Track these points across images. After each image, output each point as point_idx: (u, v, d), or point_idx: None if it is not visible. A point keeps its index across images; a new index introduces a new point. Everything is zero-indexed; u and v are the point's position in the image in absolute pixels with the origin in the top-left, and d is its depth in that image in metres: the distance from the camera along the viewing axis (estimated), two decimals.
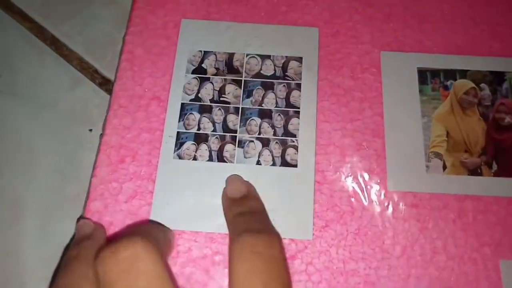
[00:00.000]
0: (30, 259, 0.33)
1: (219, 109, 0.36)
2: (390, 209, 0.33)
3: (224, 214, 0.30)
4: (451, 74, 0.37)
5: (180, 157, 0.34)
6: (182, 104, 0.36)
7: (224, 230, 0.31)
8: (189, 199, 0.33)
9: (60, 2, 0.42)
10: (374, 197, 0.33)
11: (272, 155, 0.34)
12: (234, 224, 0.27)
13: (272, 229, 0.28)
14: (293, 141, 0.35)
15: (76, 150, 0.36)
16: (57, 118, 0.37)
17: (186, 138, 0.35)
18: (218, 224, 0.32)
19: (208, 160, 0.34)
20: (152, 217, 0.32)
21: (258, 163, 0.34)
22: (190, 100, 0.36)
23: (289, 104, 0.36)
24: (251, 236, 0.24)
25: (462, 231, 0.32)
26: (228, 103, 0.36)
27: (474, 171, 0.34)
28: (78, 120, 0.37)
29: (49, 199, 0.35)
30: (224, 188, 0.31)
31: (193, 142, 0.35)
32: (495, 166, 0.34)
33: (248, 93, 0.36)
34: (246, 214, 0.28)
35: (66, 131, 0.37)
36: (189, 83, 0.36)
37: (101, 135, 0.35)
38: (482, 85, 0.37)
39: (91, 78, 0.39)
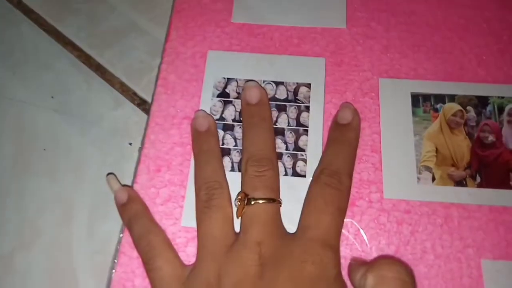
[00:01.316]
0: (80, 254, 0.40)
1: (240, 127, 0.42)
2: (386, 214, 0.39)
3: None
4: (441, 98, 0.43)
5: None
6: None
7: None
8: None
9: (103, 33, 0.50)
10: (372, 204, 0.39)
11: (285, 167, 0.41)
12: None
13: None
14: (303, 155, 0.41)
15: (119, 161, 0.43)
16: (102, 133, 0.44)
17: None
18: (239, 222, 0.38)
19: (230, 171, 0.40)
20: (183, 217, 0.38)
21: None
22: (216, 120, 0.42)
23: (299, 124, 0.42)
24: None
25: (448, 234, 0.38)
26: None
27: (460, 183, 0.40)
28: (120, 136, 0.44)
29: (96, 202, 0.41)
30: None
31: None
32: (478, 179, 0.40)
33: None
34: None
35: (110, 145, 0.44)
36: (214, 105, 0.43)
37: (140, 148, 0.41)
38: (468, 107, 0.42)
39: (131, 99, 0.46)
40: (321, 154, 0.41)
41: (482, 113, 0.42)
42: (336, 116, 0.40)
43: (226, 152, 0.41)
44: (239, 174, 0.40)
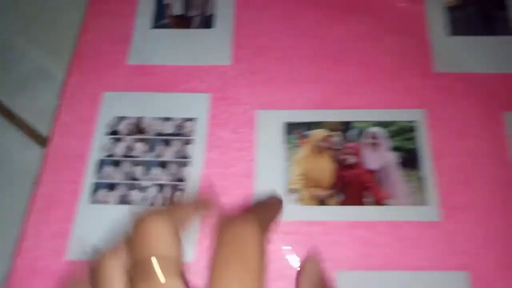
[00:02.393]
0: None
1: (128, 162, 0.47)
2: None
3: None
4: (311, 126, 0.48)
5: (95, 202, 0.45)
6: (100, 159, 0.47)
7: None
8: (101, 235, 0.44)
9: (12, 79, 0.54)
10: None
11: (164, 197, 0.45)
12: None
13: None
14: (183, 186, 0.46)
15: (14, 198, 0.47)
16: (5, 173, 0.49)
17: (101, 186, 0.46)
18: None
19: (117, 204, 0.45)
20: (69, 248, 0.42)
21: (152, 204, 0.45)
22: (107, 156, 0.47)
23: (183, 156, 0.47)
24: None
25: (310, 250, 0.42)
26: (136, 157, 0.47)
27: (323, 202, 0.44)
28: (22, 175, 0.49)
29: None
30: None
31: (107, 190, 0.46)
32: (341, 197, 0.44)
33: (152, 149, 0.47)
34: None
35: (12, 184, 0.48)
36: (105, 143, 0.48)
37: (34, 187, 0.46)
38: (334, 133, 0.47)
39: (36, 141, 0.51)
40: (199, 184, 0.45)
41: (346, 137, 0.47)
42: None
43: (114, 187, 0.46)
44: (125, 206, 0.45)
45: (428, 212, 0.43)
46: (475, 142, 0.46)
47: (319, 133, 0.48)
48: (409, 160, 0.46)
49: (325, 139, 0.47)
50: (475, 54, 0.51)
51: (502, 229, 0.42)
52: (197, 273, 0.42)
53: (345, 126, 0.48)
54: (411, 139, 0.47)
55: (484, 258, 0.41)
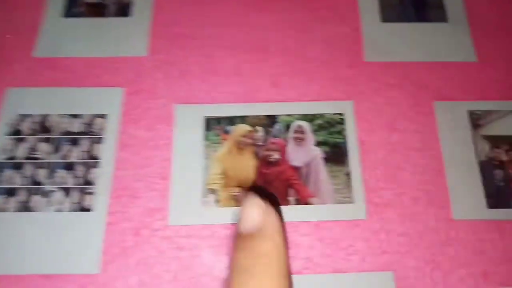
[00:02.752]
0: None
1: (31, 165, 0.42)
2: (169, 241, 0.40)
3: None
4: (233, 120, 0.44)
5: None
6: None
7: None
8: None
9: None
10: (156, 232, 0.40)
11: (72, 202, 0.41)
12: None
13: None
14: (91, 188, 0.42)
15: None
16: None
17: None
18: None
19: (17, 211, 0.41)
20: None
21: (59, 210, 0.41)
22: (7, 159, 0.43)
23: (91, 156, 0.43)
24: None
25: (224, 256, 0.39)
26: (40, 159, 0.43)
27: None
28: None
29: None
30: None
31: (5, 196, 0.41)
32: None
33: (57, 149, 0.43)
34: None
35: None
36: (5, 145, 0.43)
37: None
38: (258, 127, 0.44)
39: None
40: (110, 186, 0.42)
41: (270, 132, 0.44)
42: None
43: (13, 192, 0.41)
44: (26, 214, 0.40)
45: (354, 210, 0.41)
46: (404, 135, 0.44)
47: (241, 128, 0.44)
48: (335, 155, 0.43)
49: (247, 134, 0.44)
50: (406, 41, 0.49)
51: (426, 226, 0.40)
52: (103, 283, 0.38)
53: (269, 121, 0.45)
54: (337, 132, 0.44)
55: (408, 257, 0.39)
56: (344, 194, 0.41)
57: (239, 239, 0.20)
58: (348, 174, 0.42)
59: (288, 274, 0.20)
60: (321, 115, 0.45)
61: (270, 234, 0.20)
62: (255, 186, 0.41)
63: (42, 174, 0.42)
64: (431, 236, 0.40)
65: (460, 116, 0.45)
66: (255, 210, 0.21)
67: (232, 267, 0.20)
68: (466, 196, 0.41)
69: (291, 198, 0.41)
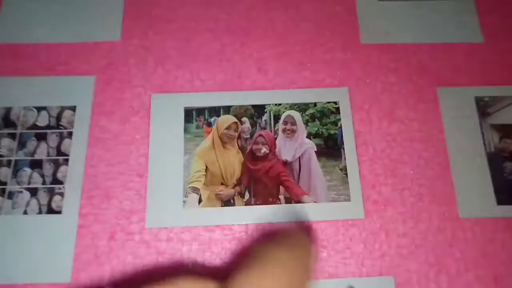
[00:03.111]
0: None
1: None
2: (147, 245, 0.36)
3: None
4: (216, 111, 0.40)
5: None
6: None
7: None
8: None
9: None
10: (133, 236, 0.36)
11: (39, 204, 0.37)
12: None
13: None
14: (60, 188, 0.38)
15: None
16: None
17: None
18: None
19: None
20: None
21: (25, 213, 0.37)
22: None
23: (60, 153, 0.39)
24: None
25: (210, 261, 0.36)
26: (2, 156, 0.39)
27: (228, 202, 0.37)
28: None
29: None
30: None
31: None
32: (247, 196, 0.38)
33: (22, 145, 0.39)
34: None
35: None
36: None
37: None
38: (244, 119, 0.40)
39: None
40: (81, 186, 0.38)
41: (257, 123, 0.40)
42: None
43: None
44: None
45: (350, 209, 0.37)
46: (405, 125, 0.40)
47: (225, 119, 0.40)
48: (330, 148, 0.39)
49: (232, 126, 0.40)
50: (406, 21, 0.45)
51: (430, 225, 0.37)
52: None
53: (256, 111, 0.41)
54: (332, 123, 0.40)
55: (410, 260, 0.36)
56: (340, 191, 0.38)
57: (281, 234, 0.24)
58: (343, 169, 0.38)
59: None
60: (314, 104, 0.41)
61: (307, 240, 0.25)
62: None
63: (5, 173, 0.38)
64: (436, 237, 0.36)
65: (466, 103, 0.41)
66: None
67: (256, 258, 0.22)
68: (474, 192, 0.37)
69: (281, 197, 0.38)
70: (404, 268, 0.35)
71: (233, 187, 0.38)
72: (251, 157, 0.39)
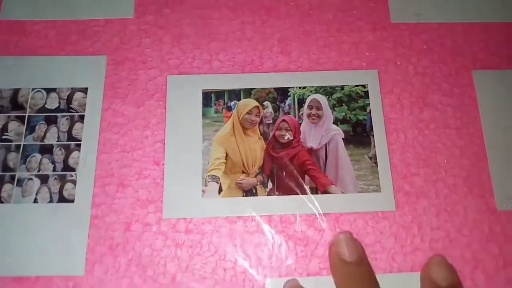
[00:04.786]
0: None
1: (0, 148, 0.37)
2: (165, 237, 0.34)
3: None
4: (236, 94, 0.38)
5: None
6: None
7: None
8: None
9: None
10: (151, 227, 0.35)
11: (50, 192, 0.36)
12: None
13: None
14: (72, 176, 0.36)
15: None
16: None
17: None
18: None
19: None
20: None
21: (35, 201, 0.35)
22: None
23: (71, 137, 0.37)
24: None
25: (231, 254, 0.34)
26: (10, 141, 0.37)
27: (249, 192, 0.36)
28: None
29: None
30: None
31: None
32: (270, 185, 0.36)
33: (31, 129, 0.37)
34: None
35: None
36: None
37: None
38: (266, 103, 0.38)
39: None
40: (94, 173, 0.36)
41: (280, 108, 0.38)
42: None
43: None
44: None
45: (380, 201, 0.35)
46: (439, 110, 0.38)
47: (246, 104, 0.38)
48: (358, 135, 0.37)
49: (253, 111, 0.38)
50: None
51: (466, 218, 0.35)
52: (87, 287, 0.33)
53: (279, 94, 0.38)
54: (360, 108, 0.38)
55: (444, 255, 0.34)
56: (369, 181, 0.36)
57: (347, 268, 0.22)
58: (373, 158, 0.36)
59: None
60: (341, 87, 0.38)
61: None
62: None
63: (13, 159, 0.37)
64: (472, 231, 0.34)
65: (504, 88, 0.39)
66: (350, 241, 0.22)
67: None
68: None
69: (306, 187, 0.36)
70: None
71: (255, 176, 0.36)
72: (273, 144, 0.37)
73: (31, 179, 0.36)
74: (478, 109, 0.38)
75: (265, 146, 0.37)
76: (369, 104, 0.38)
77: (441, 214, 0.35)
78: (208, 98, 0.38)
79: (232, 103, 0.38)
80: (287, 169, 0.36)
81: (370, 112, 0.38)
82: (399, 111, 0.38)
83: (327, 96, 0.38)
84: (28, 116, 0.38)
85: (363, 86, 0.38)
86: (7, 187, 0.36)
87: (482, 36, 0.40)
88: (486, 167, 0.36)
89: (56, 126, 0.37)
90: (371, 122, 0.37)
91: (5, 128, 0.37)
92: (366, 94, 0.38)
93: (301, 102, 0.38)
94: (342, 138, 0.37)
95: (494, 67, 0.39)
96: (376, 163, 0.36)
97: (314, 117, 0.38)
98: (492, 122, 0.37)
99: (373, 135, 0.37)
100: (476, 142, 0.37)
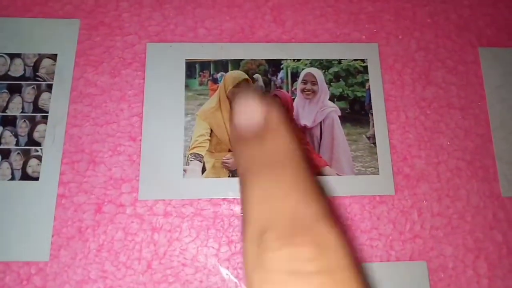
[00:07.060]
0: None
1: None
2: (140, 220, 0.32)
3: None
4: (223, 65, 0.36)
5: None
6: None
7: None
8: None
9: None
10: (125, 209, 0.32)
11: (12, 168, 0.33)
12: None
13: None
14: (37, 151, 0.33)
15: None
16: None
17: None
18: None
19: None
20: None
21: None
22: None
23: (37, 109, 0.34)
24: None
25: (214, 239, 0.32)
26: None
27: (236, 172, 0.33)
28: None
29: None
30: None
31: None
32: None
33: None
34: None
35: None
36: None
37: None
38: (256, 75, 0.36)
39: None
40: (61, 149, 0.33)
41: (272, 81, 0.36)
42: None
43: None
44: None
45: (378, 184, 0.33)
46: (442, 89, 0.36)
47: (234, 75, 0.36)
48: (356, 113, 0.35)
49: (242, 83, 0.36)
50: None
51: (468, 204, 0.33)
52: (52, 274, 0.31)
53: (271, 67, 0.36)
54: (358, 84, 0.36)
55: (445, 243, 0.32)
56: (366, 163, 0.34)
57: (239, 143, 0.16)
58: (371, 138, 0.34)
59: (315, 181, 0.15)
60: (338, 61, 0.36)
61: (275, 127, 0.15)
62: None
63: None
64: (475, 217, 0.33)
65: (511, 66, 0.37)
66: (253, 103, 0.16)
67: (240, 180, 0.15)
68: None
69: None
70: (438, 252, 0.32)
71: None
72: None
73: None
74: (483, 88, 0.36)
75: None
76: (368, 80, 0.36)
77: (443, 199, 0.33)
78: (192, 68, 0.36)
79: (219, 75, 0.36)
80: None
81: (369, 88, 0.36)
82: (400, 88, 0.36)
83: (323, 70, 0.36)
84: None
85: (362, 60, 0.36)
86: None
87: (490, 10, 0.39)
88: (491, 149, 0.35)
89: (20, 95, 0.34)
90: (370, 100, 0.35)
91: None
92: (365, 69, 0.36)
93: (294, 76, 0.36)
94: (339, 116, 0.35)
95: (501, 44, 0.38)
96: (374, 143, 0.34)
97: (308, 93, 0.35)
98: (498, 102, 0.36)
99: (371, 114, 0.35)
100: (481, 123, 0.35)
